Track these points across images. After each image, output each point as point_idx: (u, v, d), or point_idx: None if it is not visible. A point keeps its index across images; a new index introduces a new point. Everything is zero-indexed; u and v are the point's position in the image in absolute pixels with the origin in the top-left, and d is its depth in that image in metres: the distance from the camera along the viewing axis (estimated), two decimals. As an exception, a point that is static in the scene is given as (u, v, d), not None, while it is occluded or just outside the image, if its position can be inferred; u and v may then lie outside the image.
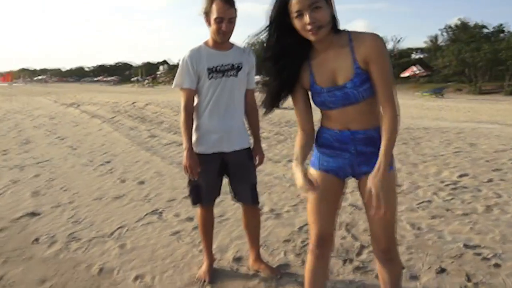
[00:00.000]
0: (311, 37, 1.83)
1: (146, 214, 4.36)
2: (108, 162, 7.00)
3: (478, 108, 21.41)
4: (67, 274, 3.11)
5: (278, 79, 1.95)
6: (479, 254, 3.36)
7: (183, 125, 2.84)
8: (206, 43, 2.88)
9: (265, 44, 1.92)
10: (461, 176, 5.85)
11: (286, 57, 1.92)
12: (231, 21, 2.74)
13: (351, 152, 2.00)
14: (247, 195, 3.01)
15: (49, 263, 3.29)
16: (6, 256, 3.42)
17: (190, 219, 4.20)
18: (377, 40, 1.86)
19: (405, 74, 45.65)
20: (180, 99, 2.90)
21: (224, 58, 2.84)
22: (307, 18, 1.77)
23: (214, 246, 3.51)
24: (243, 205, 3.09)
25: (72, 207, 4.62)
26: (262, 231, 3.80)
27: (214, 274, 3.07)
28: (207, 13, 2.75)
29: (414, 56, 67.75)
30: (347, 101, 1.91)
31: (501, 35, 51.93)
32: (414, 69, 44.08)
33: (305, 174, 1.87)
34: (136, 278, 3.04)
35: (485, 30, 53.68)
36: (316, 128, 2.13)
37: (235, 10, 2.73)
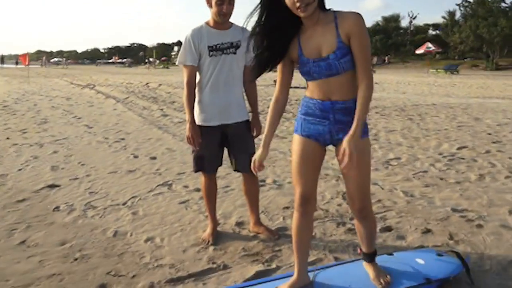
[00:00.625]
0: (300, 14, 2.06)
1: (157, 186, 4.68)
2: (122, 139, 7.34)
3: (491, 84, 21.27)
4: (85, 237, 3.44)
5: (269, 51, 2.20)
6: (464, 217, 3.60)
7: (185, 100, 3.11)
8: (207, 23, 3.13)
9: (258, 20, 2.16)
10: (460, 148, 6.05)
11: (278, 32, 2.16)
12: (231, 2, 3.00)
13: (330, 120, 2.24)
14: (246, 164, 3.26)
15: (68, 228, 3.63)
16: (29, 222, 3.75)
17: (198, 189, 4.50)
18: (358, 18, 2.10)
19: (420, 51, 45.07)
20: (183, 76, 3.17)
21: (224, 36, 3.09)
22: None
23: (219, 212, 3.82)
24: (243, 174, 3.36)
25: (88, 180, 4.96)
26: (264, 200, 4.10)
27: (218, 236, 3.36)
28: None
29: (431, 32, 66.69)
30: (330, 71, 2.15)
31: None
32: (428, 46, 43.53)
33: (261, 158, 2.36)
34: (147, 239, 3.35)
35: (503, 5, 52.45)
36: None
37: None
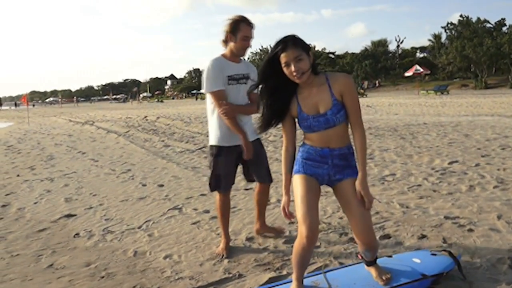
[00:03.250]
0: (297, 81, 2.47)
1: (168, 210, 4.97)
2: (128, 170, 7.65)
3: (480, 102, 21.81)
4: (107, 258, 3.71)
5: (270, 110, 2.60)
6: (456, 223, 3.91)
7: (229, 121, 3.44)
8: (224, 56, 3.55)
9: (261, 83, 2.58)
10: (451, 163, 6.39)
11: (277, 93, 2.56)
12: (251, 39, 3.50)
13: (329, 164, 2.60)
14: (265, 175, 3.75)
15: (91, 251, 3.90)
16: (53, 248, 4.02)
17: (207, 211, 4.81)
18: (348, 77, 2.56)
19: (408, 73, 46.02)
20: (212, 102, 3.51)
21: (238, 68, 3.53)
22: (292, 68, 2.42)
23: (229, 230, 4.11)
24: (260, 184, 3.79)
25: (102, 208, 5.24)
26: (270, 217, 4.42)
27: (231, 250, 3.65)
28: (233, 32, 3.43)
29: (418, 55, 68.07)
30: (327, 125, 2.53)
31: (503, 29, 52.12)
32: (416, 69, 44.50)
33: (288, 204, 2.66)
34: (165, 257, 3.63)
35: (488, 25, 53.88)
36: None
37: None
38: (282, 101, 2.58)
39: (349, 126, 2.60)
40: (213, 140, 3.59)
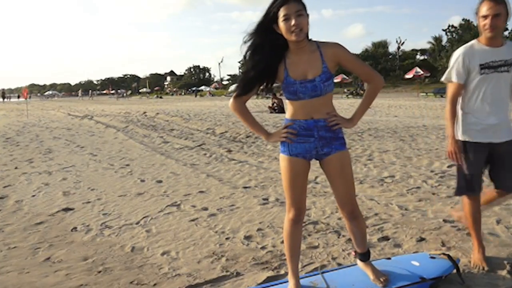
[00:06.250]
0: (294, 38, 2.37)
1: (166, 206, 4.96)
2: (127, 165, 7.63)
3: (480, 106, 21.80)
4: (105, 253, 3.70)
5: (254, 70, 2.50)
6: (455, 227, 3.90)
7: (449, 115, 3.12)
8: (478, 40, 3.06)
9: (250, 40, 2.48)
10: (450, 166, 6.37)
11: (263, 52, 2.47)
12: (499, 16, 2.91)
13: (315, 137, 2.53)
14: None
15: (88, 245, 3.89)
16: (50, 242, 4.01)
17: (205, 208, 4.79)
18: (338, 44, 2.52)
19: (409, 75, 46.03)
20: None
21: (496, 54, 3.00)
22: (292, 21, 2.34)
23: (227, 228, 4.12)
24: (500, 190, 3.26)
25: (100, 203, 5.23)
26: (268, 216, 4.41)
27: (229, 249, 3.63)
28: (477, 13, 3.01)
29: (419, 57, 68.09)
30: (314, 92, 2.46)
31: (504, 33, 52.17)
32: (417, 71, 44.48)
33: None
34: (163, 253, 3.62)
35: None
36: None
37: (505, 6, 2.92)
38: (267, 62, 2.48)
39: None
40: (458, 133, 3.16)
